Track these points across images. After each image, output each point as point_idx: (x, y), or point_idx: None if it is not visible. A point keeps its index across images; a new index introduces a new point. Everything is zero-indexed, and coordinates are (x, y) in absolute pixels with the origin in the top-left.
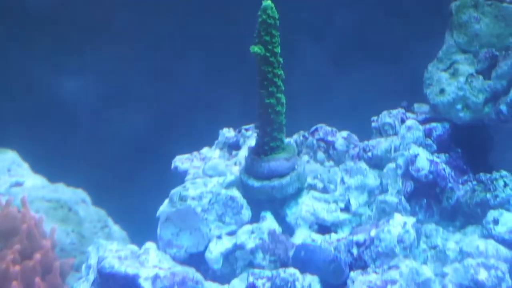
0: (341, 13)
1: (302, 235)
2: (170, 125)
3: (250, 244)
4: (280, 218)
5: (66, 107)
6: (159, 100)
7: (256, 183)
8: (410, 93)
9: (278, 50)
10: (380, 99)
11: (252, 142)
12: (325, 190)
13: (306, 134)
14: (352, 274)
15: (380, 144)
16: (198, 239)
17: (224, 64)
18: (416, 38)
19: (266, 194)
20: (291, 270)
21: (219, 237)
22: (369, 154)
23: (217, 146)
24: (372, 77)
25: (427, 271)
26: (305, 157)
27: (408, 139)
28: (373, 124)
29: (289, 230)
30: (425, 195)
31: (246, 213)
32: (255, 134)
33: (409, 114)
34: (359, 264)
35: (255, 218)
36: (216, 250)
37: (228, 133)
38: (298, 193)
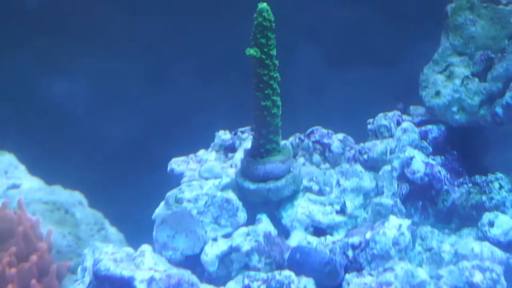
0: (338, 15)
1: (298, 238)
2: (167, 128)
3: (246, 247)
4: (276, 221)
5: (63, 110)
6: (156, 103)
7: (251, 186)
8: (407, 96)
9: (274, 52)
10: (376, 102)
11: (248, 144)
12: (320, 192)
13: (302, 137)
14: (347, 276)
15: (376, 147)
16: (194, 242)
17: (221, 67)
18: (412, 40)
19: (261, 197)
20: (287, 272)
21: (215, 239)
22: (365, 156)
23: (213, 149)
24: (368, 80)
25: (422, 273)
26: (301, 160)
27: (403, 141)
28: (369, 127)
29: (284, 232)
30: (420, 198)
31: (242, 215)
32: (251, 137)
33: (405, 117)
34: (355, 266)
35: (251, 220)
36: (211, 252)
37: (224, 135)
38: (293, 195)
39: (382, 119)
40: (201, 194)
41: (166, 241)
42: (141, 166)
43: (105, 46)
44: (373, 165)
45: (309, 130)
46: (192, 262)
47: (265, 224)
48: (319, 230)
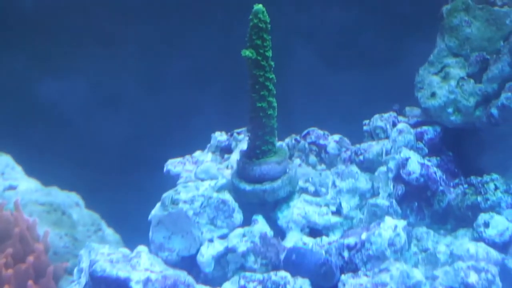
0: (333, 16)
1: (294, 238)
2: (163, 129)
3: (242, 248)
4: (272, 222)
5: (60, 111)
6: (152, 104)
7: (247, 187)
8: (402, 97)
9: (269, 54)
10: (372, 103)
11: (244, 145)
12: (316, 193)
13: (298, 138)
14: (343, 277)
15: (372, 148)
16: (190, 243)
17: (217, 68)
18: (408, 41)
19: (257, 198)
20: (282, 273)
21: (211, 240)
22: (361, 157)
23: (210, 150)
24: (364, 81)
25: (418, 274)
26: (297, 161)
27: (399, 142)
28: (365, 128)
29: (280, 233)
30: (416, 198)
31: (238, 216)
32: (247, 138)
33: (400, 118)
34: (350, 267)
35: (247, 221)
36: (207, 253)
37: (220, 136)
38: (289, 196)
39: (378, 120)
40: (197, 195)
41: (162, 242)
42: (138, 168)
43: (102, 47)
44: (368, 166)
45: (305, 131)
46: (188, 263)
47: (261, 225)
48: (315, 231)
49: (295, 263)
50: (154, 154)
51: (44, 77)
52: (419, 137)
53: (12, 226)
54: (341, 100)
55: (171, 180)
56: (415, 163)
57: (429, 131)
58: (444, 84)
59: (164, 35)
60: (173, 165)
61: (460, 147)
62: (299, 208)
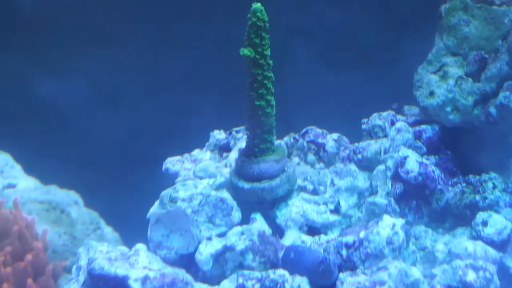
0: (332, 15)
1: (292, 237)
2: (162, 127)
3: (240, 246)
4: (270, 220)
5: (59, 109)
6: (151, 103)
7: (246, 185)
8: (401, 96)
9: (268, 52)
10: (370, 101)
11: (242, 144)
12: (315, 192)
13: (297, 136)
14: (341, 275)
15: (370, 146)
16: (188, 241)
17: (216, 67)
18: (407, 40)
19: (256, 196)
20: (281, 271)
21: (209, 238)
22: (359, 156)
23: (208, 148)
24: (363, 79)
25: (416, 272)
26: (296, 159)
27: (397, 141)
28: (363, 126)
29: (279, 231)
30: (414, 197)
31: (236, 214)
32: (246, 136)
33: (399, 116)
34: (348, 265)
35: (245, 219)
36: (206, 251)
37: (219, 135)
38: (288, 194)
39: (377, 119)
40: (196, 193)
41: (161, 240)
42: (136, 166)
43: (101, 46)
44: (367, 165)
45: (304, 130)
46: (187, 261)
47: (259, 223)
48: (313, 229)
49: (294, 261)
50: (153, 153)
51: (44, 76)
52: (418, 136)
53: (11, 224)
54: (340, 98)
55: (170, 179)
56: (413, 162)
57: (428, 130)
58: (442, 83)
59: (163, 34)
60: (171, 163)
61: (459, 146)
62: (298, 207)
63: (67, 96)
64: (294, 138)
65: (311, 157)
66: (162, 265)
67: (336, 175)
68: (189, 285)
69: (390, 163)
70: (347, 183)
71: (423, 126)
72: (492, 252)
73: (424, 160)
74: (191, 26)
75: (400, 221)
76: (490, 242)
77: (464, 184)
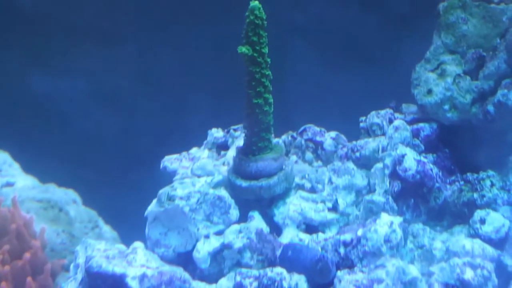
0: (331, 13)
1: (290, 235)
2: (160, 126)
3: (238, 244)
4: (268, 218)
5: (57, 108)
6: (149, 101)
7: (243, 183)
8: (399, 94)
9: (265, 50)
10: (368, 100)
11: (240, 142)
12: (313, 190)
13: (295, 134)
14: (339, 273)
15: (368, 144)
16: (186, 239)
17: (214, 65)
18: (405, 38)
19: (254, 194)
20: (278, 269)
21: (207, 236)
22: (357, 154)
23: (206, 146)
24: (361, 78)
25: (414, 270)
26: (294, 157)
27: (395, 139)
28: (361, 124)
29: (276, 229)
30: (412, 195)
31: (234, 212)
32: (244, 134)
33: (397, 115)
34: (346, 263)
35: (243, 218)
36: (204, 249)
37: (217, 133)
38: (286, 193)
39: (375, 117)
40: (194, 191)
41: (159, 238)
42: (135, 164)
43: (100, 45)
44: (365, 163)
45: (302, 128)
46: (184, 259)
47: (257, 222)
48: (311, 228)
49: (291, 259)
50: (151, 151)
51: (42, 74)
52: (416, 134)
53: (9, 223)
54: (338, 97)
55: (168, 177)
56: (411, 160)
57: (426, 128)
58: (440, 81)
59: (161, 33)
60: (169, 161)
61: (457, 144)
62: (295, 205)
63: (66, 94)
64: (292, 136)
65: (309, 155)
66: (160, 263)
67: (334, 173)
68: (187, 283)
69: (388, 161)
70: (345, 181)
71: (421, 124)
72: (490, 250)
73: (422, 158)
74: (189, 25)
75: (398, 219)
76: (488, 240)
77: (462, 182)
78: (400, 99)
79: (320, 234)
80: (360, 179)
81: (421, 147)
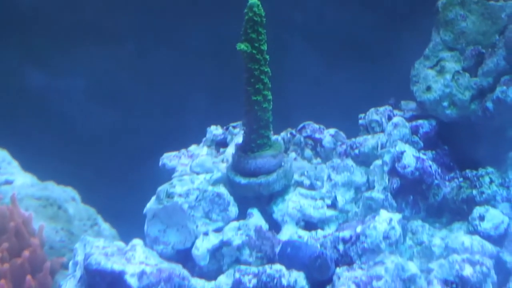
0: (330, 10)
1: (289, 232)
2: (159, 123)
3: (237, 241)
4: (267, 215)
5: (56, 106)
6: (148, 98)
7: (242, 180)
8: (398, 90)
9: (264, 47)
10: (368, 96)
11: (239, 139)
12: (312, 187)
13: (294, 131)
14: (338, 270)
15: (367, 141)
16: (185, 236)
17: (213, 62)
18: (404, 35)
19: (252, 191)
20: (277, 266)
21: (206, 233)
22: (356, 151)
23: (205, 144)
24: (360, 75)
25: (413, 267)
26: (293, 154)
27: (394, 136)
28: (360, 121)
29: (276, 226)
30: (411, 192)
31: (233, 209)
32: (242, 131)
33: (396, 111)
34: (345, 260)
35: (242, 215)
36: (203, 246)
37: (215, 130)
38: (285, 190)
39: (374, 114)
40: (192, 188)
41: (158, 236)
42: (134, 162)
43: (99, 44)
44: (364, 160)
45: (301, 125)
46: (183, 256)
47: (256, 219)
48: (310, 224)
49: (290, 256)
50: (150, 148)
51: (41, 72)
52: (415, 130)
53: (7, 221)
54: (337, 94)
55: (167, 174)
56: (410, 157)
57: (425, 125)
58: (439, 78)
59: (159, 31)
60: (168, 159)
61: (456, 140)
62: (294, 202)
63: (64, 93)
64: (291, 133)
65: (308, 152)
66: (159, 260)
67: (333, 170)
68: (186, 280)
69: (387, 158)
70: (344, 178)
71: (420, 121)
72: (489, 246)
73: (421, 155)
74: (187, 22)
75: (397, 216)
76: (487, 237)
77: (461, 179)
78: (399, 96)
79: (319, 231)
80: (359, 176)
81: (420, 144)
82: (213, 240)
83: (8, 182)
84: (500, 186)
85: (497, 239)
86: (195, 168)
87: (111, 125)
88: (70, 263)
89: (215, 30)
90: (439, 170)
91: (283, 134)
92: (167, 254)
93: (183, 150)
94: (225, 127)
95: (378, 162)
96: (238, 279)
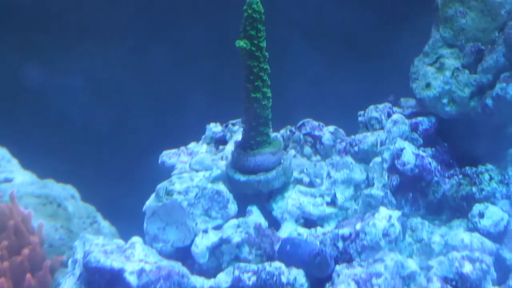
0: (330, 8)
1: (288, 229)
2: (158, 121)
3: (236, 238)
4: (267, 212)
5: (56, 104)
6: (148, 96)
7: (242, 178)
8: (398, 88)
9: (263, 44)
10: (367, 94)
11: (238, 136)
12: (311, 184)
13: (293, 129)
14: (337, 267)
15: (367, 139)
16: (184, 233)
17: (212, 60)
18: (404, 32)
19: (252, 189)
20: (277, 263)
21: (205, 231)
22: (356, 148)
23: (204, 141)
24: (360, 72)
25: (412, 264)
26: (292, 152)
27: (394, 133)
28: (360, 119)
29: (275, 224)
30: (411, 189)
31: (232, 207)
32: (242, 129)
33: (395, 109)
34: (345, 257)
35: (242, 212)
36: (202, 244)
37: (215, 127)
38: (284, 187)
39: (373, 111)
40: (192, 186)
41: (157, 233)
42: (133, 160)
43: (97, 42)
44: (363, 157)
45: (300, 123)
46: (183, 254)
47: (255, 216)
48: (309, 222)
49: (290, 253)
50: (149, 146)
51: (40, 70)
52: (414, 128)
53: (7, 219)
54: (336, 91)
55: (166, 172)
56: (409, 154)
57: (424, 122)
58: (439, 74)
59: (157, 28)
60: (168, 156)
61: (455, 137)
62: (294, 199)
63: (64, 91)
64: (291, 131)
65: (307, 149)
66: (158, 258)
67: (332, 167)
68: (185, 278)
69: (386, 155)
70: (344, 175)
71: (419, 118)
72: (488, 243)
73: (421, 152)
74: (186, 19)
75: (396, 213)
76: (486, 234)
77: (460, 176)
78: (399, 93)
79: (318, 228)
80: (358, 173)
81: (420, 141)
82: (213, 237)
83: (7, 180)
84: (500, 183)
85: (497, 236)
86: (195, 166)
87: (110, 123)
88: (70, 261)
89: (215, 28)
90: (439, 167)
91: (282, 131)
92: (167, 252)
93: (182, 148)
94: (224, 125)
95: (378, 159)
96: (237, 276)
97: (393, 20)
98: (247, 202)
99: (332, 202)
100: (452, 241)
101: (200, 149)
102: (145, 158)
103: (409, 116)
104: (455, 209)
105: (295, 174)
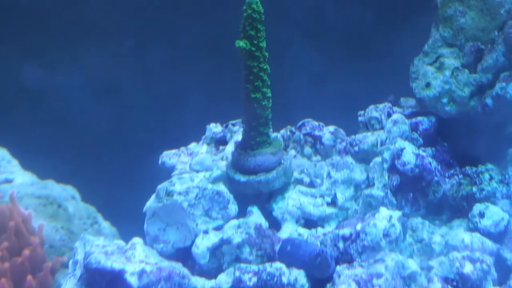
0: (330, 7)
1: (289, 230)
2: (158, 122)
3: (237, 239)
4: (267, 213)
5: (56, 104)
6: (148, 97)
7: (242, 178)
8: (398, 87)
9: (263, 44)
10: (367, 93)
11: (239, 137)
12: (311, 184)
13: (293, 129)
14: (338, 268)
15: (367, 139)
16: (185, 234)
17: (212, 60)
18: (404, 32)
19: (252, 189)
20: (277, 264)
21: (206, 232)
22: (356, 148)
23: (205, 141)
24: (360, 72)
25: (413, 264)
26: (292, 152)
27: (394, 133)
28: (360, 119)
29: (275, 224)
30: (411, 189)
31: (233, 207)
32: (242, 129)
33: (395, 108)
34: (345, 258)
35: (242, 213)
36: (202, 245)
37: (215, 128)
38: (284, 187)
39: (373, 111)
40: (192, 186)
41: (157, 234)
42: (133, 160)
43: (97, 40)
44: (364, 157)
45: (300, 123)
46: (183, 254)
47: (256, 217)
48: (310, 222)
49: (290, 254)
50: (149, 147)
51: (40, 70)
52: (414, 127)
53: (7, 220)
54: (336, 91)
55: (166, 172)
56: (410, 154)
57: (424, 122)
58: (438, 74)
59: (158, 27)
60: (168, 157)
61: (455, 137)
62: (294, 199)
63: (64, 90)
64: (291, 131)
65: (307, 149)
66: (159, 258)
67: (332, 167)
68: (186, 279)
69: (386, 155)
70: (344, 176)
71: (419, 118)
72: (489, 243)
73: (421, 152)
74: (186, 19)
75: (397, 213)
76: (487, 234)
77: (461, 176)
78: (399, 93)
79: (319, 228)
80: (358, 173)
81: (420, 140)
82: (213, 238)
83: (7, 181)
84: (500, 183)
85: (497, 236)
86: (195, 166)
87: (110, 123)
88: (70, 262)
89: (214, 28)
90: (439, 167)
91: (282, 131)
92: (167, 253)
93: (182, 148)
94: (224, 125)
95: (378, 159)
96: (238, 277)
97: (393, 20)
98: (248, 202)
99: (333, 203)
100: (452, 241)
101: (200, 149)
102: (145, 159)
103: (409, 116)
104: (455, 209)
105: (296, 174)
